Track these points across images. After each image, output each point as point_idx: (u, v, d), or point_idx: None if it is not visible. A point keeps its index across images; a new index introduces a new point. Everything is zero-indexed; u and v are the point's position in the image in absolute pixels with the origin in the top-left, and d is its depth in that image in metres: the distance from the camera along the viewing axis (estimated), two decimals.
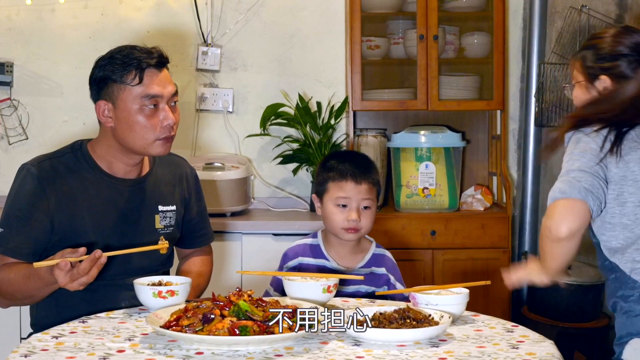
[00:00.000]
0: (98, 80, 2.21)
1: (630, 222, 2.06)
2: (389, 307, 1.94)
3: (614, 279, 2.12)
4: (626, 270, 2.07)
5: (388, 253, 2.53)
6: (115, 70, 2.17)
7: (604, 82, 2.18)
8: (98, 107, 2.22)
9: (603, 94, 2.17)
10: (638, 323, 2.05)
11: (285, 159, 4.08)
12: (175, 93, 2.25)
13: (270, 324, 1.75)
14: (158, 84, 2.19)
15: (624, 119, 2.10)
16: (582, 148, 2.07)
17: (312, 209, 3.91)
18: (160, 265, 2.41)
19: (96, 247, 2.04)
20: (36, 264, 2.00)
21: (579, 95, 2.25)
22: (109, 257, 2.24)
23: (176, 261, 2.61)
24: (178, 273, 2.52)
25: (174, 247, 2.52)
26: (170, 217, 2.39)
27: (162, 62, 2.21)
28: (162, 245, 2.16)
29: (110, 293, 2.27)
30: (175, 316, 1.82)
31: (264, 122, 4.06)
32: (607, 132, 2.08)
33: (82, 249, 1.99)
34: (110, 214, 2.27)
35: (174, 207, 2.41)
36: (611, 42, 2.19)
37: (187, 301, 2.05)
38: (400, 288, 2.45)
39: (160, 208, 2.37)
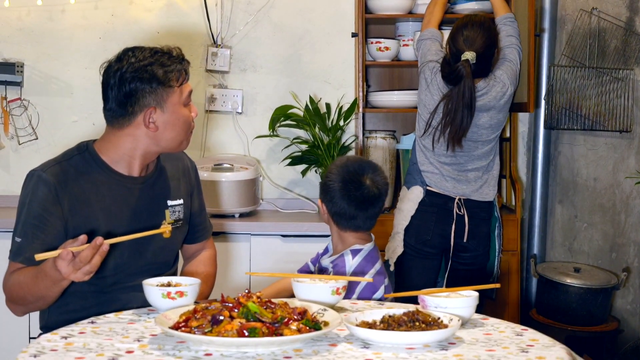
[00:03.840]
0: (138, 91, 2.20)
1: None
2: (398, 309, 1.94)
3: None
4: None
5: (349, 260, 2.46)
6: (157, 77, 2.20)
7: None
8: (145, 116, 2.22)
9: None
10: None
11: (294, 160, 4.08)
12: None
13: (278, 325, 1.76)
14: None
15: None
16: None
17: None
18: (171, 265, 2.42)
19: (111, 248, 2.03)
20: (38, 256, 1.98)
21: None
22: (122, 259, 2.25)
23: (181, 261, 2.60)
24: (183, 274, 2.52)
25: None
26: (179, 211, 2.40)
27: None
28: (165, 228, 2.16)
29: (121, 295, 2.27)
30: (184, 317, 1.82)
31: (273, 123, 4.06)
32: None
33: (83, 237, 1.97)
34: (123, 213, 2.27)
35: (181, 201, 2.42)
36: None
37: (196, 302, 2.05)
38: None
39: (169, 203, 2.38)
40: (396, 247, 3.41)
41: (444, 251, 3.42)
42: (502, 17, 3.53)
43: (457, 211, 3.38)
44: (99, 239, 1.96)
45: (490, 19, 3.49)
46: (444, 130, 3.33)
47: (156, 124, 2.23)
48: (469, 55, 3.28)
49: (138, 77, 2.19)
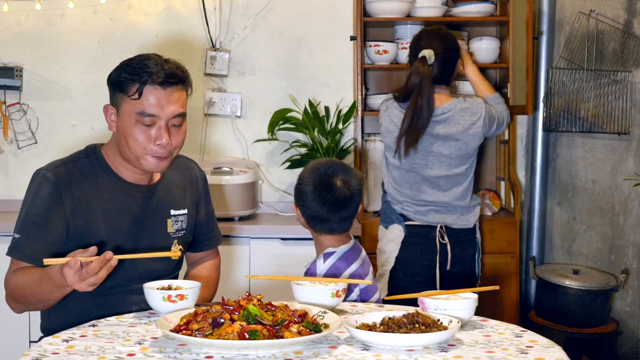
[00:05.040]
0: (112, 83, 2.21)
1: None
2: (397, 311, 1.94)
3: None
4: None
5: (320, 264, 2.45)
6: (122, 80, 2.16)
7: None
8: (106, 110, 2.23)
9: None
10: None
11: (293, 164, 4.09)
12: (180, 115, 2.19)
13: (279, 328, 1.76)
14: (157, 104, 2.14)
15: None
16: None
17: None
18: (171, 271, 2.42)
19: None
20: (46, 260, 1.99)
21: None
22: (120, 261, 2.25)
23: (184, 267, 2.60)
24: (186, 279, 2.51)
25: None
26: (182, 221, 2.39)
27: (168, 81, 2.15)
28: (175, 252, 2.12)
29: (121, 298, 2.27)
30: (185, 320, 1.82)
31: (272, 126, 4.07)
32: None
33: (93, 249, 1.97)
34: (124, 219, 2.27)
35: (185, 211, 2.41)
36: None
37: (197, 305, 2.06)
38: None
39: (173, 212, 2.37)
40: (381, 289, 3.29)
41: (432, 276, 3.32)
42: (491, 96, 3.43)
43: (440, 240, 3.30)
44: (108, 254, 1.96)
45: (447, 28, 3.42)
46: (406, 137, 3.22)
47: (115, 125, 2.22)
48: (426, 53, 3.21)
49: (116, 69, 2.20)
